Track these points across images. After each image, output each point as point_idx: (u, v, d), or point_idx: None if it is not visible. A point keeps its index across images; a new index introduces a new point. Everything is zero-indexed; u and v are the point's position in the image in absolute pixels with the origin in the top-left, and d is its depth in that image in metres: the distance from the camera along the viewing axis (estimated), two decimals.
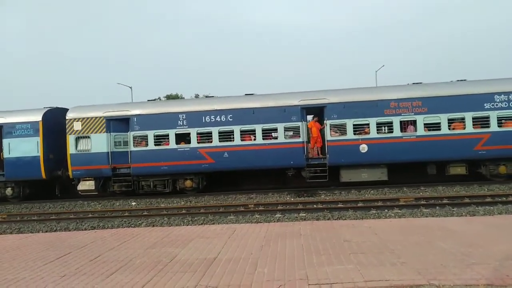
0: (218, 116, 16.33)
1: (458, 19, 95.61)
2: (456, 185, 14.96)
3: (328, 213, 10.91)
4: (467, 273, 4.70)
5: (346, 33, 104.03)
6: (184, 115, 16.47)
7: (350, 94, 16.34)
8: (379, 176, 15.79)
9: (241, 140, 16.15)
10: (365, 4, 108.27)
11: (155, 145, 16.38)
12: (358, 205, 12.20)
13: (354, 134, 15.69)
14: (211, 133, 16.24)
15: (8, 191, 17.49)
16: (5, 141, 17.26)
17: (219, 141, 16.11)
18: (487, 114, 15.34)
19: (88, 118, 16.64)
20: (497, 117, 15.27)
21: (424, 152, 15.38)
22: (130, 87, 38.12)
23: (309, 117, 17.24)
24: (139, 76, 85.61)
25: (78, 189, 16.82)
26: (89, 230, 10.09)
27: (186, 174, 16.60)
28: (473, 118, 15.35)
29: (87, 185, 16.76)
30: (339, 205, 12.25)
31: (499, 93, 15.45)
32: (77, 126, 16.65)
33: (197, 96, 45.19)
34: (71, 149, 16.67)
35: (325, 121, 16.01)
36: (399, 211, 10.86)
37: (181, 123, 16.43)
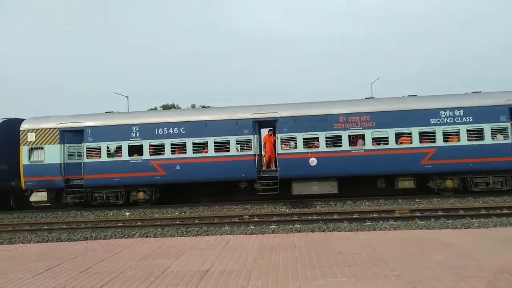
0: (171, 129, 16.50)
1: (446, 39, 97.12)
2: (450, 197, 15.02)
3: (323, 224, 10.85)
4: (462, 286, 4.67)
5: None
6: (137, 127, 16.61)
7: (300, 108, 16.57)
8: (330, 189, 15.94)
9: (193, 152, 16.30)
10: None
11: (108, 156, 16.49)
12: (353, 216, 12.15)
13: (304, 147, 15.89)
14: (163, 145, 16.37)
15: None
16: None
17: (171, 153, 16.25)
18: (433, 129, 15.57)
19: (42, 129, 16.73)
20: (443, 132, 15.49)
21: (372, 166, 15.56)
22: (127, 97, 38.16)
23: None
24: (137, 85, 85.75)
25: (30, 200, 16.75)
26: (81, 240, 9.95)
27: (139, 186, 16.67)
28: (419, 133, 15.55)
29: (39, 196, 16.72)
30: (334, 217, 12.19)
31: (445, 109, 15.68)
32: (31, 137, 16.74)
33: (193, 106, 45.16)
34: (24, 160, 16.71)
35: (276, 135, 16.27)
36: (394, 223, 10.83)
37: (134, 135, 16.56)
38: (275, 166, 16.52)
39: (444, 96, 16.39)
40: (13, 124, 17.53)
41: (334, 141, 15.93)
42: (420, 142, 15.52)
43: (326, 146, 15.81)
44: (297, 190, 16.06)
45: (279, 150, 16.02)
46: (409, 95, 16.96)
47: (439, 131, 15.54)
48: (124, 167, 16.33)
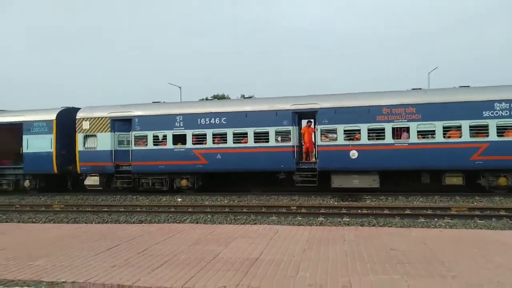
0: (213, 119, 16.71)
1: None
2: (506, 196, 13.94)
3: (373, 219, 10.58)
4: None
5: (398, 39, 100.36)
6: (181, 117, 17.05)
7: (342, 99, 16.13)
8: (371, 183, 15.43)
9: (233, 143, 16.39)
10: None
11: (153, 145, 17.15)
12: (405, 212, 11.71)
13: (345, 139, 15.47)
14: (205, 135, 16.63)
15: (26, 183, 19.24)
16: (24, 138, 18.98)
17: (213, 143, 16.46)
18: (486, 123, 14.42)
19: (95, 118, 18.01)
20: (497, 126, 14.30)
21: (417, 160, 14.78)
22: (180, 87, 39.35)
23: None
24: (189, 77, 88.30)
25: (85, 183, 18.27)
26: (137, 223, 10.55)
27: (183, 173, 17.15)
28: (470, 127, 14.55)
29: (92, 180, 18.17)
30: (385, 212, 11.83)
31: (500, 101, 14.44)
32: (86, 125, 18.07)
33: (243, 97, 45.64)
34: (79, 146, 18.14)
35: (315, 126, 15.97)
36: (450, 221, 10.30)
37: (178, 125, 17.04)
38: (314, 158, 16.33)
39: (499, 87, 15.16)
40: (71, 113, 19.09)
41: (377, 133, 15.38)
42: (471, 136, 14.56)
43: (368, 139, 15.32)
44: (336, 183, 15.73)
45: (318, 141, 15.76)
46: (460, 86, 15.89)
47: (492, 124, 14.40)
48: (168, 155, 17.06)
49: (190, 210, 13.33)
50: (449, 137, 14.78)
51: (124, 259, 4.93)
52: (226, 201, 15.45)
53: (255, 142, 16.32)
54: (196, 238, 6.51)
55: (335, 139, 15.61)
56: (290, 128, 15.97)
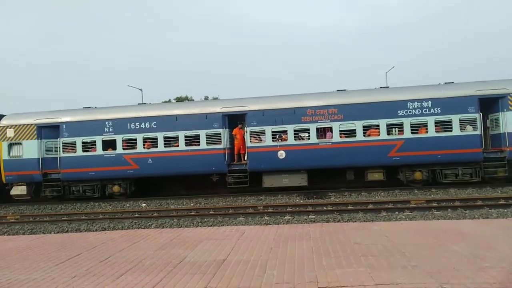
0: (143, 123, 16.73)
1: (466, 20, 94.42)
2: (468, 187, 14.82)
3: (338, 215, 10.83)
4: (481, 276, 4.62)
5: (358, 34, 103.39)
6: (111, 122, 16.97)
7: (269, 102, 16.60)
8: (300, 182, 16.00)
9: (164, 147, 16.53)
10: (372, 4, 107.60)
11: (83, 151, 16.88)
12: (368, 207, 12.09)
13: (273, 140, 15.95)
14: (136, 139, 16.62)
15: None
16: None
17: (143, 148, 16.48)
18: (401, 121, 15.34)
19: (20, 125, 17.48)
20: (411, 124, 15.28)
21: (340, 158, 15.49)
22: (141, 90, 38.43)
23: None
24: (150, 79, 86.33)
25: (11, 193, 17.50)
26: (99, 231, 10.17)
27: (114, 179, 17.01)
28: (387, 125, 15.42)
29: (19, 190, 17.58)
30: (349, 207, 12.16)
31: (413, 100, 15.40)
32: (10, 133, 17.49)
33: (206, 98, 45.29)
34: (4, 155, 17.49)
35: (245, 128, 16.33)
36: (410, 213, 10.73)
37: (107, 130, 16.93)
38: (245, 159, 16.64)
39: (412, 87, 16.16)
40: None
41: (302, 134, 16.07)
42: (388, 134, 15.40)
43: (295, 139, 15.98)
44: (267, 183, 16.24)
45: (248, 143, 16.11)
46: (381, 87, 16.98)
47: (406, 122, 15.29)
48: (98, 162, 16.76)
49: (155, 215, 13.05)
50: (369, 135, 15.72)
51: (85, 269, 4.74)
52: (192, 204, 15.26)
53: (186, 145, 16.45)
54: (162, 243, 6.39)
55: (264, 140, 16.13)
56: (220, 130, 16.33)
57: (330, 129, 15.81)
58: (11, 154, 17.43)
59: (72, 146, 16.98)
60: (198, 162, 16.22)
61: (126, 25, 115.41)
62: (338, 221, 9.71)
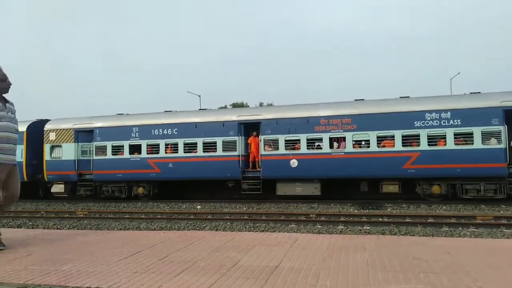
0: (166, 130, 17.40)
1: None
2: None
3: (395, 227, 10.42)
4: None
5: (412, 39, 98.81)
6: (137, 128, 17.87)
7: (283, 111, 16.96)
8: (313, 191, 16.01)
9: (184, 152, 17.20)
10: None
11: (112, 154, 17.92)
12: (428, 220, 11.49)
13: (286, 149, 16.25)
14: (158, 145, 17.30)
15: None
16: None
17: (165, 153, 17.07)
18: (417, 132, 14.88)
19: (60, 129, 19.64)
20: (428, 136, 14.72)
21: (353, 169, 15.30)
22: (199, 96, 40.00)
23: None
24: (208, 85, 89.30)
25: (51, 191, 19.73)
26: (157, 230, 10.68)
27: (139, 181, 17.76)
28: (402, 136, 15.04)
29: (58, 188, 19.87)
30: (406, 220, 11.64)
31: (430, 111, 14.82)
32: (52, 136, 19.69)
33: (261, 104, 45.80)
34: (46, 156, 19.72)
35: (259, 136, 16.84)
36: (476, 230, 10.03)
37: (134, 135, 17.83)
38: (259, 166, 16.89)
39: (430, 98, 15.76)
40: (41, 125, 20.59)
41: (315, 143, 16.13)
42: (403, 146, 14.94)
43: (307, 148, 15.94)
44: (281, 191, 16.49)
45: (262, 151, 16.61)
46: (400, 97, 16.49)
47: (423, 134, 14.82)
48: (125, 164, 17.95)
49: (209, 217, 13.45)
50: (383, 146, 15.09)
51: (145, 266, 5.01)
52: (245, 208, 15.52)
53: (204, 151, 17.08)
54: (216, 245, 6.55)
55: (277, 148, 16.46)
56: (236, 138, 17.15)
57: (343, 139, 15.90)
58: (52, 155, 19.76)
59: (103, 149, 18.70)
60: (215, 168, 17.03)
61: (196, 31, 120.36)
62: (394, 234, 9.33)
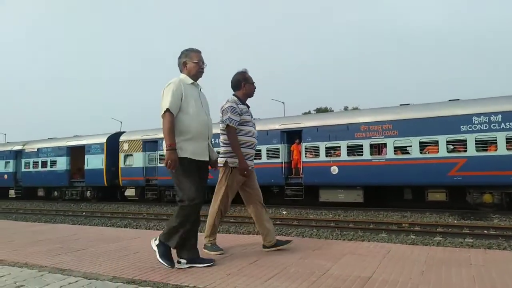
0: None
1: None
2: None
3: (504, 241, 9.27)
4: None
5: None
6: None
7: (323, 118, 17.80)
8: (355, 198, 16.04)
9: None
10: None
11: None
12: None
13: (326, 156, 16.51)
14: None
15: (88, 193, 24.65)
16: (86, 157, 24.15)
17: None
18: (464, 137, 14.05)
19: (132, 140, 22.90)
20: (476, 140, 13.86)
21: (395, 176, 14.89)
22: (283, 103, 40.62)
23: None
24: (291, 91, 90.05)
25: (125, 194, 22.73)
26: (246, 234, 11.00)
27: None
28: (447, 142, 14.35)
29: (130, 192, 23.41)
30: None
31: (478, 114, 13.92)
32: (125, 146, 22.87)
33: (346, 108, 44.66)
34: (121, 164, 22.69)
35: (301, 144, 17.49)
36: None
37: None
38: (302, 173, 17.60)
39: (477, 100, 14.47)
40: (117, 137, 24.21)
41: (356, 150, 15.91)
42: (448, 152, 14.27)
43: (348, 155, 15.99)
44: (323, 197, 16.88)
45: (303, 158, 17.18)
46: (449, 100, 14.72)
47: (470, 139, 13.93)
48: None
49: (295, 223, 13.47)
50: (426, 152, 14.67)
51: (238, 269, 5.19)
52: (331, 215, 15.25)
53: None
54: (303, 252, 6.53)
55: (318, 155, 16.59)
56: (279, 146, 17.85)
57: (384, 145, 15.24)
58: (125, 163, 23.54)
59: (162, 157, 21.26)
60: (259, 174, 17.30)
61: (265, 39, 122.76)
62: (504, 248, 8.29)
